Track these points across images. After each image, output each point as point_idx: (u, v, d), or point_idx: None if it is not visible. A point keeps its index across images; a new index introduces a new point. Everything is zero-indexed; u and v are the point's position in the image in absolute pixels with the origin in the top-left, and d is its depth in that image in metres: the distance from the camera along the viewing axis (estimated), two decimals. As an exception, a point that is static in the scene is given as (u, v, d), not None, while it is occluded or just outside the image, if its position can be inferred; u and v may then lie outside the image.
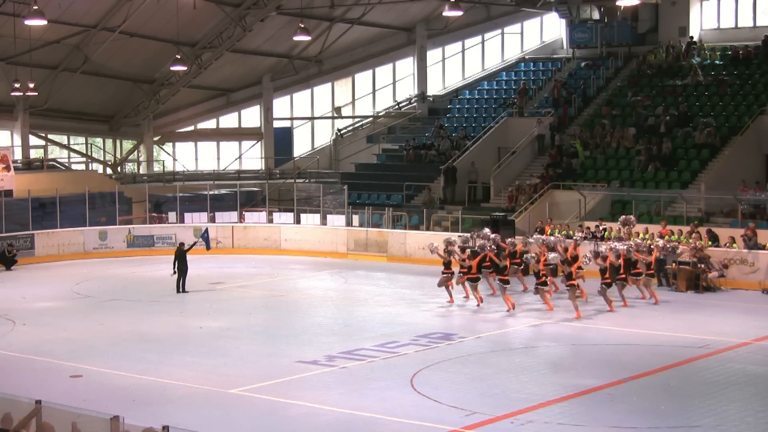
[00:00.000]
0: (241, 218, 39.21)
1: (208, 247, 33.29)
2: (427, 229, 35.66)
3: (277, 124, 50.43)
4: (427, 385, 18.26)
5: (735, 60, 40.91)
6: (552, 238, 28.08)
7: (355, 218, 37.11)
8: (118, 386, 18.43)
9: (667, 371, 19.31)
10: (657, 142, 36.72)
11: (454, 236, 29.28)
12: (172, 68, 41.21)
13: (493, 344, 21.85)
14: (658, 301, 26.57)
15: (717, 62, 41.57)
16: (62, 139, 47.41)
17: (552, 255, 26.10)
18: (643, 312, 25.60)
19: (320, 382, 18.69)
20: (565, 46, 48.05)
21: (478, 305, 26.25)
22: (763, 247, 28.73)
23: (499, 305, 26.55)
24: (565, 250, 26.53)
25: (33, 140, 45.18)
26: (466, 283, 26.79)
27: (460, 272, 26.77)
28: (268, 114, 49.83)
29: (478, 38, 50.75)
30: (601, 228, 31.51)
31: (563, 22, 47.16)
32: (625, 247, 26.41)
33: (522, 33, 50.42)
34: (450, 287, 26.97)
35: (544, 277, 25.58)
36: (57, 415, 12.20)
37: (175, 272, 29.01)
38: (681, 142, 36.98)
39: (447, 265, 26.93)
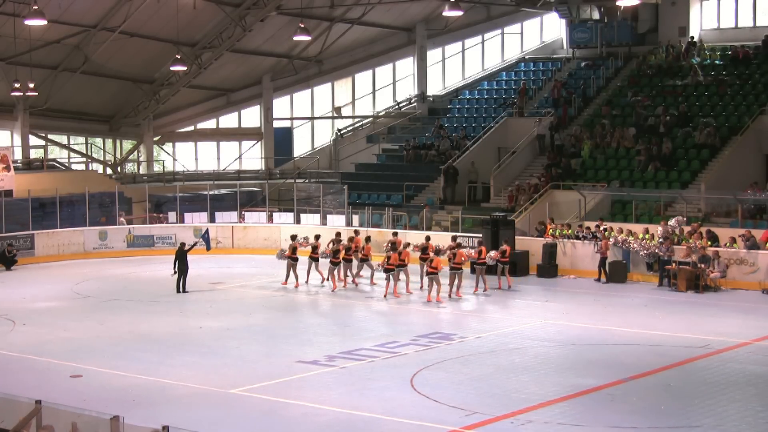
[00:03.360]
0: (241, 218, 39.20)
1: (208, 248, 33.29)
2: (428, 229, 35.59)
3: (277, 124, 50.44)
4: (427, 385, 18.26)
5: (735, 60, 40.93)
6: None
7: (355, 218, 37.09)
8: (118, 386, 18.43)
9: (667, 371, 19.31)
10: (657, 142, 36.73)
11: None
12: (172, 68, 41.23)
13: (493, 344, 21.85)
14: (439, 299, 27.18)
15: (717, 62, 41.59)
16: (62, 139, 47.42)
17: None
18: (643, 312, 25.63)
19: (320, 382, 18.69)
20: (565, 46, 48.08)
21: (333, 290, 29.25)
22: (763, 247, 28.73)
23: (497, 305, 26.65)
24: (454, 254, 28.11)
25: (33, 140, 45.19)
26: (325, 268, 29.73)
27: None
28: (268, 114, 49.83)
29: (478, 38, 50.77)
30: (601, 228, 31.51)
31: (563, 22, 47.19)
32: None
33: (522, 33, 50.46)
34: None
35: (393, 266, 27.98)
36: (57, 415, 12.21)
37: (175, 272, 29.00)
38: (681, 142, 36.99)
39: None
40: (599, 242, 30.49)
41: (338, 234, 30.89)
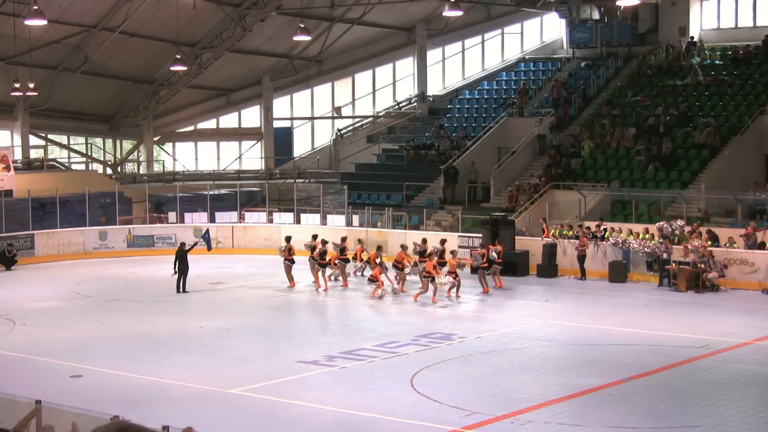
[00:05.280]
0: (241, 218, 39.20)
1: (209, 248, 33.28)
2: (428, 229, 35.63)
3: (277, 124, 50.42)
4: (427, 385, 18.26)
5: (735, 60, 40.93)
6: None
7: (355, 218, 37.09)
8: (118, 386, 18.43)
9: (667, 371, 19.32)
10: (657, 142, 36.72)
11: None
12: (172, 68, 41.21)
13: (493, 344, 21.85)
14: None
15: (717, 62, 41.58)
16: (62, 139, 47.41)
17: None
18: (643, 312, 25.63)
19: (320, 382, 18.70)
20: (565, 46, 48.06)
21: (317, 288, 29.50)
22: (763, 247, 28.73)
23: (497, 305, 26.68)
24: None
25: (33, 140, 45.18)
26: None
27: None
28: (268, 114, 49.82)
29: (478, 38, 50.75)
30: (601, 228, 31.52)
31: (563, 22, 47.16)
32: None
33: (522, 33, 50.43)
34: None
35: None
36: (57, 415, 12.20)
37: (175, 272, 29.01)
38: (681, 142, 36.99)
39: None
40: (599, 240, 30.64)
41: (344, 239, 31.33)
